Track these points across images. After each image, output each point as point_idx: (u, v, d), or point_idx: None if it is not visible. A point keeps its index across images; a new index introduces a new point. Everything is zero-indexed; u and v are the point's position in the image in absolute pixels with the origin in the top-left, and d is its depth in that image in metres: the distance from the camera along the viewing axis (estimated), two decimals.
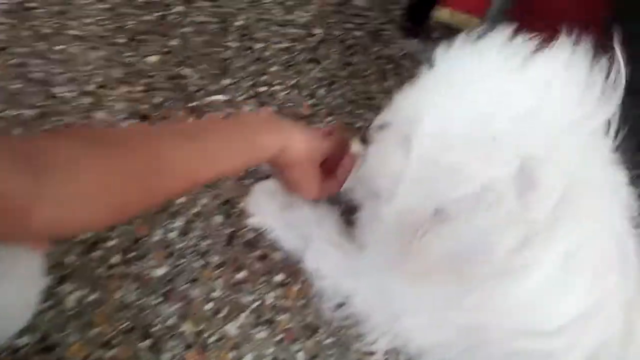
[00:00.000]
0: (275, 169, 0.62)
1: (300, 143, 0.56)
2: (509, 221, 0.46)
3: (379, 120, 0.61)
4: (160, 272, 0.80)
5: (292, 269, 0.86)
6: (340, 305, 0.82)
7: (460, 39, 0.53)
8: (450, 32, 1.33)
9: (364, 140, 0.62)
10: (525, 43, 0.50)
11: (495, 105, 0.47)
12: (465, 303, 0.58)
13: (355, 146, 0.64)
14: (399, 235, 0.54)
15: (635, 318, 0.56)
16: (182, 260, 0.82)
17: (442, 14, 1.30)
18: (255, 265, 0.85)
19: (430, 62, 0.55)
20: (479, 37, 0.52)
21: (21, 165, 0.34)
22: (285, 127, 0.56)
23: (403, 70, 1.20)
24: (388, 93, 1.12)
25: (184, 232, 0.85)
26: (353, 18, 1.27)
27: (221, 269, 0.84)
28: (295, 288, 0.85)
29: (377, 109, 1.12)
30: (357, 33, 1.24)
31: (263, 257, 0.86)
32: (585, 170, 0.47)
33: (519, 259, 0.49)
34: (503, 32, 0.51)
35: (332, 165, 0.66)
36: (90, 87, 0.98)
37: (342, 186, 0.65)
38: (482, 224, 0.46)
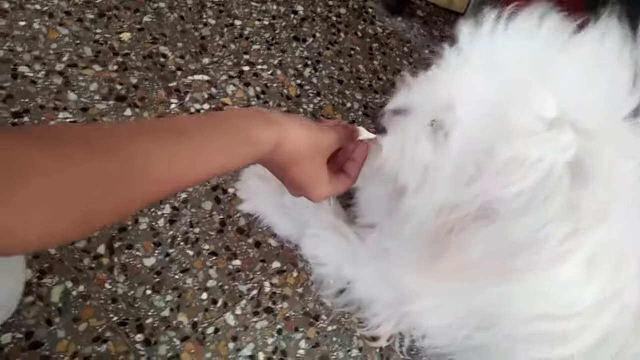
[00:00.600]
0: (274, 170, 0.53)
1: (299, 135, 0.48)
2: (560, 215, 0.43)
3: (393, 104, 0.56)
4: (149, 262, 0.75)
5: (289, 255, 0.82)
6: (341, 292, 0.79)
7: (488, 17, 0.49)
8: (434, 10, 1.30)
9: (378, 128, 0.57)
10: (561, 22, 0.47)
11: (545, 87, 0.44)
12: (492, 293, 0.56)
13: (364, 134, 0.58)
14: (428, 229, 0.50)
15: None
16: (172, 250, 0.77)
17: None
18: (250, 252, 0.81)
19: (451, 42, 0.52)
20: (508, 15, 0.48)
21: None
22: (279, 119, 0.47)
23: (389, 49, 1.17)
24: (375, 73, 1.09)
25: (172, 220, 0.79)
26: None
27: (214, 257, 0.79)
28: (294, 275, 0.81)
29: (367, 89, 1.10)
30: (341, 10, 1.20)
31: (257, 244, 0.82)
32: (629, 159, 0.45)
33: (560, 250, 0.47)
34: (536, 12, 0.47)
35: (341, 159, 0.59)
36: (59, 67, 0.89)
37: (354, 181, 0.58)
38: (534, 220, 0.43)
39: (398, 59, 1.16)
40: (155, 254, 0.76)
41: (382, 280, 0.74)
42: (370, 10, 1.23)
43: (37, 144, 0.32)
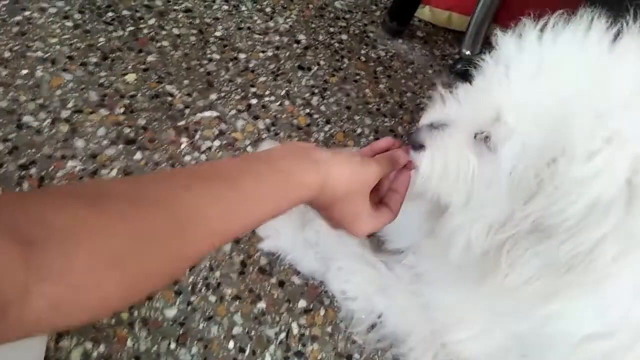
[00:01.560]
0: (315, 208, 0.51)
1: (343, 173, 0.46)
2: (613, 233, 0.41)
3: (430, 118, 0.54)
4: (171, 313, 0.71)
5: (315, 293, 0.79)
6: (372, 327, 0.76)
7: (527, 27, 0.48)
8: (433, 30, 1.30)
9: (413, 144, 0.54)
10: (602, 29, 0.45)
11: (602, 101, 0.42)
12: (539, 314, 0.53)
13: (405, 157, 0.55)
14: (477, 247, 0.48)
15: None
16: (194, 298, 0.74)
17: (423, 12, 1.28)
18: (274, 293, 0.78)
19: (487, 51, 0.50)
20: (554, 25, 0.47)
21: (5, 241, 0.25)
22: (323, 157, 0.45)
23: (393, 72, 1.16)
24: (382, 96, 1.08)
25: (191, 266, 0.76)
26: (335, 22, 1.22)
27: (238, 301, 0.76)
28: (321, 314, 0.78)
29: (376, 113, 1.08)
30: (343, 37, 1.19)
31: (281, 284, 0.79)
32: None
33: (612, 269, 0.45)
34: (583, 20, 0.46)
35: (383, 188, 0.56)
36: (65, 114, 0.88)
37: (397, 214, 0.55)
38: (588, 238, 0.41)
39: (403, 81, 1.15)
40: (177, 304, 0.72)
41: (417, 309, 0.71)
42: (371, 34, 1.23)
43: (86, 204, 0.29)
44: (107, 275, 0.28)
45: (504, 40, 0.49)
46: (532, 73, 0.44)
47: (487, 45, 1.33)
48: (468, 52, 1.14)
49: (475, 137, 0.49)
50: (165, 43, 1.03)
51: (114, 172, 0.83)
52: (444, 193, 0.51)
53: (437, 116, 0.53)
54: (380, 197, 0.56)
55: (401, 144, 0.57)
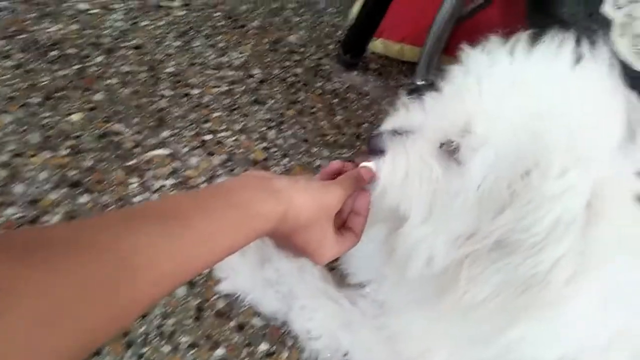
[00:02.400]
0: (276, 239, 0.48)
1: (304, 201, 0.44)
2: (568, 254, 0.40)
3: (393, 123, 0.52)
4: None
5: (277, 334, 0.75)
6: None
7: (495, 43, 0.48)
8: (387, 62, 1.32)
9: (373, 149, 0.51)
10: (570, 49, 0.45)
11: (568, 116, 0.41)
12: (505, 338, 0.52)
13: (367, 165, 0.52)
14: (437, 263, 0.46)
15: None
16: (145, 349, 0.69)
17: (375, 45, 1.30)
18: (234, 338, 0.73)
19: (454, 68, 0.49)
20: (526, 42, 0.47)
21: None
22: (283, 185, 0.43)
23: (349, 103, 1.16)
24: (339, 128, 1.07)
25: (143, 314, 0.71)
26: (289, 55, 1.22)
27: (194, 349, 0.71)
28: (284, 356, 0.74)
29: (333, 145, 1.07)
30: (297, 70, 1.19)
31: (241, 327, 0.75)
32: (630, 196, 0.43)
33: (567, 290, 0.44)
34: (555, 38, 0.46)
35: (344, 210, 0.53)
36: (4, 158, 0.82)
37: (360, 237, 0.52)
38: (548, 257, 0.40)
39: (359, 112, 1.15)
40: (127, 357, 0.67)
41: (382, 343, 0.69)
42: (326, 67, 1.23)
43: (22, 255, 0.26)
44: (41, 338, 0.25)
45: (474, 55, 0.49)
46: (505, 87, 0.44)
47: (439, 73, 1.36)
48: (422, 82, 1.15)
49: (440, 146, 0.48)
50: (113, 81, 1.00)
51: (57, 218, 0.78)
52: (404, 203, 0.49)
53: (401, 122, 0.51)
54: (342, 220, 0.53)
55: (353, 165, 0.54)
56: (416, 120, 0.51)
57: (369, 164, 0.53)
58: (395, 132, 0.50)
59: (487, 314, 0.46)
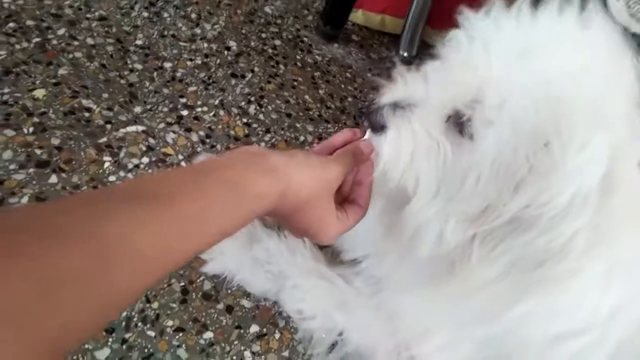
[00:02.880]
0: (276, 218, 0.45)
1: (303, 178, 0.40)
2: (585, 226, 0.38)
3: (393, 97, 0.47)
4: (102, 354, 0.61)
5: (268, 315, 0.72)
6: (333, 346, 0.69)
7: (498, 6, 0.44)
8: (368, 34, 1.28)
9: (374, 125, 0.46)
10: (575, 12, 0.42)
11: (586, 83, 0.38)
12: (510, 316, 0.49)
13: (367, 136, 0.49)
14: (448, 243, 0.43)
15: None
16: (129, 335, 0.64)
17: (356, 16, 1.25)
18: (222, 320, 0.69)
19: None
20: (529, 5, 0.43)
21: None
22: (279, 162, 0.39)
23: (332, 77, 1.12)
24: (323, 102, 1.03)
25: (128, 304, 0.66)
26: (267, 27, 1.17)
27: (181, 333, 0.66)
28: (276, 337, 0.70)
29: (318, 119, 1.03)
30: (276, 42, 1.14)
31: (229, 309, 0.71)
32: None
33: (580, 263, 0.42)
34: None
35: (345, 184, 0.50)
36: None
37: (367, 209, 0.49)
38: (565, 231, 0.37)
39: (343, 86, 1.11)
40: (109, 343, 0.62)
41: (380, 322, 0.66)
42: (305, 39, 1.18)
43: None
44: (5, 339, 0.21)
45: (477, 19, 0.44)
46: (515, 52, 0.40)
47: (423, 47, 1.33)
48: (406, 54, 1.12)
49: (447, 120, 0.44)
50: (78, 54, 0.93)
51: (24, 200, 0.72)
52: (411, 181, 0.45)
53: (401, 95, 0.46)
54: (344, 195, 0.50)
55: (362, 134, 0.50)
56: (418, 92, 0.47)
57: (368, 138, 0.49)
58: (397, 106, 0.46)
59: (495, 291, 0.43)
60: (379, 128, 0.47)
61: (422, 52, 1.28)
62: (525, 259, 0.41)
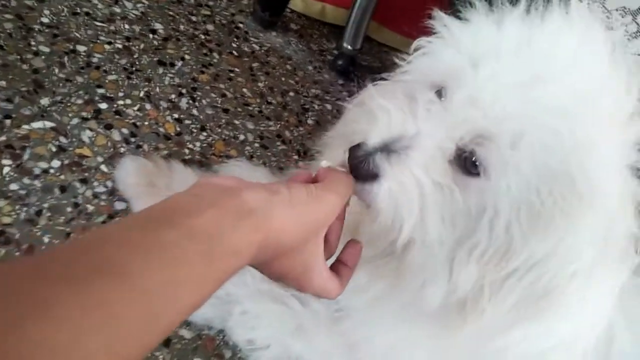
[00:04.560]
0: (251, 266, 0.35)
1: (286, 222, 0.32)
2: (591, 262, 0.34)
3: (378, 137, 0.39)
4: None
5: (212, 346, 0.63)
6: None
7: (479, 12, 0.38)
8: (308, 23, 1.20)
9: (361, 174, 0.39)
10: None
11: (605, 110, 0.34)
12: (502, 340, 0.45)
13: (325, 164, 0.40)
14: (461, 289, 0.37)
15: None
16: None
17: (295, 3, 1.17)
18: (159, 356, 0.59)
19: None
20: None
21: None
22: (259, 201, 0.30)
23: (271, 68, 1.03)
24: (263, 96, 0.94)
25: None
26: (197, 9, 1.04)
27: None
28: None
29: (258, 116, 0.94)
30: (208, 27, 1.02)
31: (167, 343, 0.61)
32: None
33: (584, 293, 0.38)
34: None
35: (333, 235, 0.41)
36: None
37: (343, 289, 0.40)
38: (572, 268, 0.33)
39: (283, 79, 1.03)
40: None
41: (341, 351, 0.60)
42: (240, 25, 1.08)
43: None
44: None
45: (457, 28, 0.38)
46: (524, 80, 0.35)
47: (367, 40, 1.28)
48: (349, 47, 1.06)
49: (451, 160, 0.38)
50: None
51: None
52: (419, 234, 0.38)
53: (389, 134, 0.39)
54: (329, 244, 0.40)
55: (327, 171, 0.40)
56: (409, 129, 0.39)
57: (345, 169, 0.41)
58: (389, 150, 0.38)
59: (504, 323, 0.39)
60: (369, 177, 0.39)
61: (366, 46, 1.23)
62: (532, 294, 0.37)
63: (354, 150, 0.39)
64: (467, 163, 0.37)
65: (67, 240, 0.21)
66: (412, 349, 0.53)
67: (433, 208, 0.37)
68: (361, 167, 0.39)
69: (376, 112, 0.40)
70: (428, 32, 0.45)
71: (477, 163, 0.36)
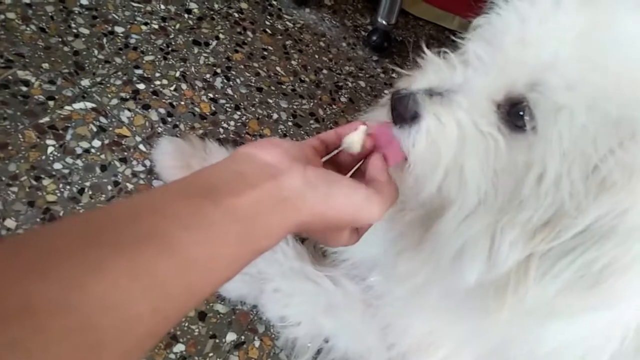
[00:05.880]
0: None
1: (326, 214, 0.33)
2: None
3: (427, 82, 0.38)
4: None
5: (246, 321, 0.65)
6: (319, 352, 0.63)
7: None
8: None
9: (402, 116, 0.37)
10: None
11: None
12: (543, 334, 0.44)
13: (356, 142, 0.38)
14: (503, 263, 0.35)
15: None
16: None
17: None
18: (195, 329, 0.62)
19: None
20: None
21: None
22: (295, 188, 0.31)
23: (305, 46, 1.02)
24: (296, 74, 0.94)
25: None
26: None
27: None
28: (255, 345, 0.64)
29: (291, 94, 0.94)
30: (242, 5, 1.02)
31: (202, 316, 0.63)
32: None
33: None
34: None
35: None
36: None
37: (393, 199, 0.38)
38: (632, 248, 0.31)
39: (317, 56, 1.02)
40: None
41: (372, 332, 0.60)
42: (274, 2, 1.07)
43: None
44: None
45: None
46: (582, 30, 0.33)
47: (402, 15, 1.24)
48: (384, 22, 1.03)
49: (498, 108, 0.36)
50: (10, 15, 0.78)
51: None
52: (454, 186, 0.37)
53: (436, 81, 0.38)
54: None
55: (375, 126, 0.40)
56: (457, 77, 0.38)
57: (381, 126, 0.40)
58: (432, 92, 0.37)
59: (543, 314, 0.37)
60: (409, 118, 0.37)
61: (401, 21, 1.19)
62: (586, 278, 0.35)
63: (396, 92, 0.38)
64: (515, 114, 0.35)
65: (109, 205, 0.22)
66: (448, 337, 0.53)
67: (473, 156, 0.35)
68: (400, 105, 0.37)
69: (425, 65, 0.40)
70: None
71: (525, 116, 0.34)
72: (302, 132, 0.88)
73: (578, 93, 0.32)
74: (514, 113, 0.35)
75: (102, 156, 0.71)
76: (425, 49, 0.40)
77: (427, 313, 0.50)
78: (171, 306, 0.23)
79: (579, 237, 0.33)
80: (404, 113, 0.37)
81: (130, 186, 0.69)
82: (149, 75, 0.82)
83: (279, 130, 0.86)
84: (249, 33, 0.98)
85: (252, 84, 0.90)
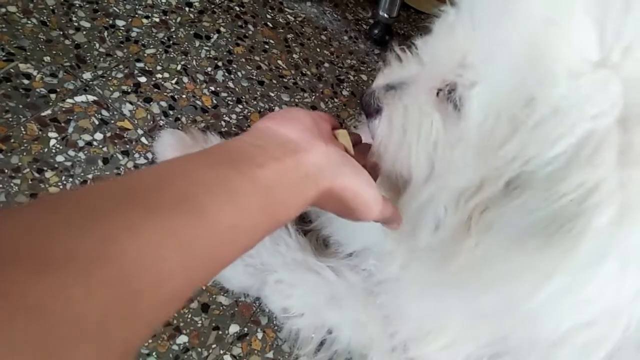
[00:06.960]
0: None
1: (346, 188, 0.35)
2: (606, 184, 0.32)
3: (385, 78, 0.45)
4: None
5: (248, 313, 0.65)
6: (322, 344, 0.63)
7: None
8: None
9: (367, 110, 0.44)
10: None
11: (585, 19, 0.32)
12: (525, 310, 0.44)
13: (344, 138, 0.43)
14: (448, 225, 0.40)
15: None
16: None
17: None
18: (198, 321, 0.62)
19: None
20: None
21: None
22: (317, 164, 0.33)
23: (306, 39, 1.02)
24: (297, 68, 0.93)
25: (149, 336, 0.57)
26: None
27: (150, 340, 0.58)
28: (258, 337, 0.64)
29: (293, 88, 0.94)
30: None
31: (205, 308, 0.63)
32: None
33: (611, 233, 0.35)
34: None
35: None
36: None
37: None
38: (580, 181, 0.32)
39: (318, 50, 1.02)
40: None
41: (375, 321, 0.60)
42: None
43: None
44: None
45: None
46: (498, 12, 0.35)
47: (404, 8, 1.24)
48: (386, 16, 1.03)
49: (438, 93, 0.40)
50: (11, 8, 0.78)
51: None
52: (405, 163, 0.42)
53: (395, 75, 0.44)
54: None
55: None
56: (412, 70, 0.44)
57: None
58: (389, 87, 0.43)
59: (504, 273, 0.39)
60: (374, 113, 0.44)
61: (402, 14, 1.19)
62: (540, 222, 0.36)
63: (363, 93, 0.45)
64: (451, 97, 0.39)
65: (138, 171, 0.23)
66: (445, 319, 0.54)
67: (414, 133, 0.40)
68: (366, 104, 0.44)
69: (390, 61, 0.46)
70: None
71: (456, 97, 0.38)
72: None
73: (485, 71, 0.36)
74: (447, 93, 0.39)
75: (105, 149, 0.71)
76: (396, 46, 0.46)
77: (417, 296, 0.51)
78: (198, 267, 0.24)
79: (506, 191, 0.36)
80: (368, 109, 0.44)
81: None
82: (151, 69, 0.82)
83: None
84: (250, 26, 0.98)
85: (254, 78, 0.90)
